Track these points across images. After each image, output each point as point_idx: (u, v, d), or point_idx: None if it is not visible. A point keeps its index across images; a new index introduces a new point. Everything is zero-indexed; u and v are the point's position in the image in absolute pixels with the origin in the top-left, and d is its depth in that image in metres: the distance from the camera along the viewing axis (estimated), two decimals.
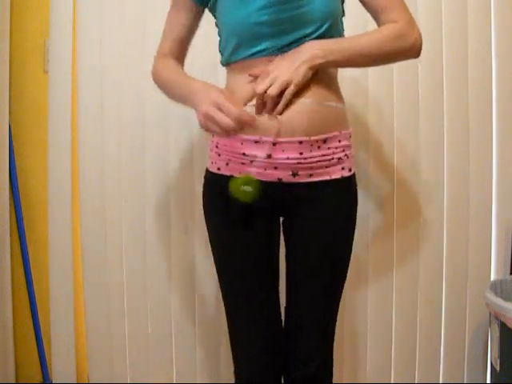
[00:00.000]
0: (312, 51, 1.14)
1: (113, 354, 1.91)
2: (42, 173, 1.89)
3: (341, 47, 1.16)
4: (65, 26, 1.82)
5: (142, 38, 1.79)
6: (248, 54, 1.20)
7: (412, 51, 1.20)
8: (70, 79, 1.83)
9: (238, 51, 1.22)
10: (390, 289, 1.85)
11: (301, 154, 1.18)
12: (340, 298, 1.30)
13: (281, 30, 1.17)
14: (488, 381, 1.85)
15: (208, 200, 1.31)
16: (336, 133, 1.22)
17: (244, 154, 1.20)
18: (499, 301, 1.52)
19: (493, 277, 1.85)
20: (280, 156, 1.18)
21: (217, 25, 1.30)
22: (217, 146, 1.26)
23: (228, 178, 1.21)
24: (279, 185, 1.21)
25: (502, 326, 1.52)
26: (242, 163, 1.21)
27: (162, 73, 1.31)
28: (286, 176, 1.20)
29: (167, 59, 1.33)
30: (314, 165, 1.19)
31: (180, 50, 1.35)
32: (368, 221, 1.82)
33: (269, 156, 1.18)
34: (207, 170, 1.31)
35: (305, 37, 1.17)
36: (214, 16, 1.30)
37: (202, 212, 1.32)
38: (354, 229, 1.29)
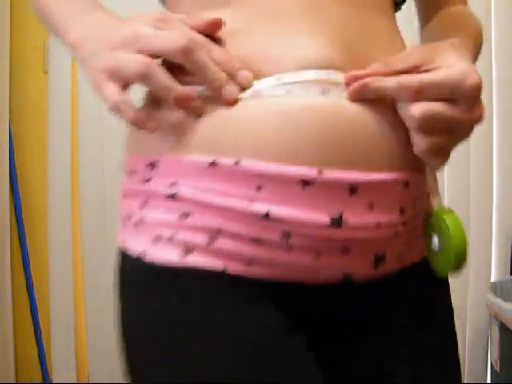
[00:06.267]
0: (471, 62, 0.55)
1: (113, 354, 1.90)
2: (42, 173, 1.88)
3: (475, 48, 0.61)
4: None
5: None
6: None
7: None
8: (70, 79, 1.83)
9: None
10: None
11: (402, 211, 0.53)
12: None
13: None
14: (488, 381, 1.85)
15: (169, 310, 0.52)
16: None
17: (267, 215, 0.49)
18: (499, 301, 1.51)
19: (493, 277, 1.85)
20: (361, 220, 0.51)
21: None
22: (173, 196, 0.51)
23: (217, 275, 0.50)
24: (346, 288, 0.54)
25: (502, 326, 1.52)
26: (254, 240, 0.49)
27: None
28: (362, 267, 0.53)
29: None
30: (413, 234, 0.56)
31: None
32: None
33: (338, 221, 0.49)
34: (138, 258, 0.52)
35: None
36: None
37: None
38: None
